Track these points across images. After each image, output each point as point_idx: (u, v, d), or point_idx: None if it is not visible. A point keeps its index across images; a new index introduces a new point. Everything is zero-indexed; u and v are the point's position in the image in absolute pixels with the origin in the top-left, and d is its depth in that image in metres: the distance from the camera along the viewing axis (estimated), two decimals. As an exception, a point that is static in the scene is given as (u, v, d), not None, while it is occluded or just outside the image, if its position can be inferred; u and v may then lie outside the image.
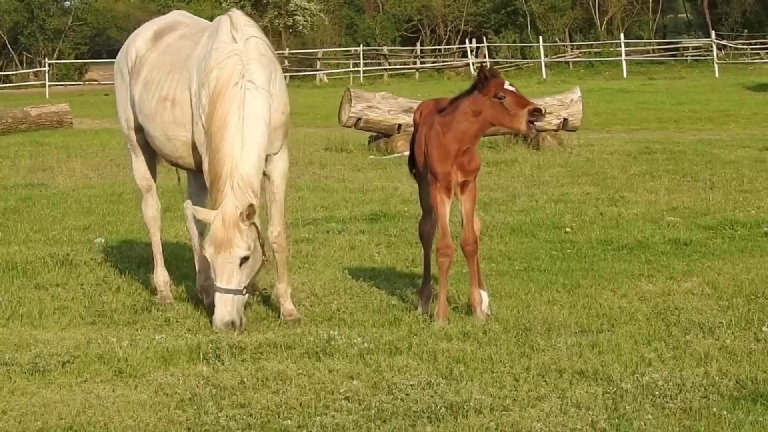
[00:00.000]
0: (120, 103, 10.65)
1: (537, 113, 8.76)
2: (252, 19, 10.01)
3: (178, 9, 11.06)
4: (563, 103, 23.41)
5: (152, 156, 10.58)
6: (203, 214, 9.35)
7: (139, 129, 10.38)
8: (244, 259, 9.15)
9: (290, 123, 10.05)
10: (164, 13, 11.42)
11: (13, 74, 74.90)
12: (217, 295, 9.19)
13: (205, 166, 9.48)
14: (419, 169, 9.60)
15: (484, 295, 9.43)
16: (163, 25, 10.61)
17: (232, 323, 9.10)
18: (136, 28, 11.07)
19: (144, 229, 11.23)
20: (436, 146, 9.11)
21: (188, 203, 9.66)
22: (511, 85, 8.90)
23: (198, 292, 10.33)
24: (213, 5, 72.60)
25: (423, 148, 9.31)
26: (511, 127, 9.06)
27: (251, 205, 9.08)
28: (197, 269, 10.30)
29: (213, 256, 9.17)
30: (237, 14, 9.84)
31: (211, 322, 9.31)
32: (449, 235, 9.26)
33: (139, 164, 10.68)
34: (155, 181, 10.85)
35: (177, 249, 12.49)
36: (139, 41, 10.51)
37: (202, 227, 9.96)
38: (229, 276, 9.13)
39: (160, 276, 10.58)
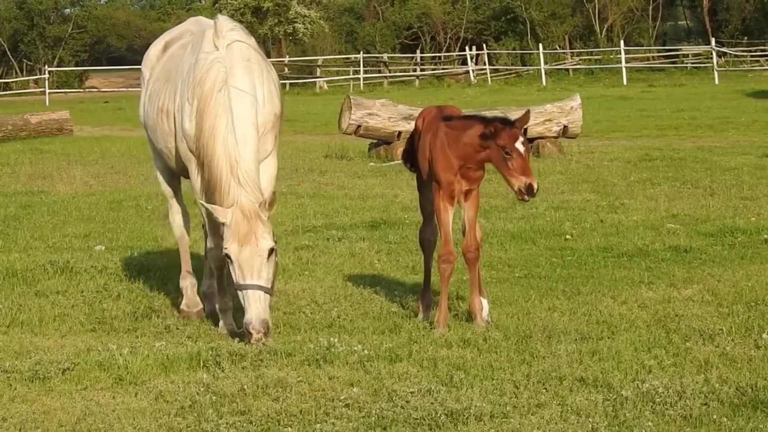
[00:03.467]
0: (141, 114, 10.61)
1: (529, 190, 8.62)
2: (238, 24, 9.83)
3: (177, 16, 11.00)
4: (563, 111, 23.43)
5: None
6: (218, 212, 8.87)
7: None
8: (271, 251, 8.82)
9: (286, 128, 9.89)
10: (164, 21, 11.38)
11: (13, 81, 74.91)
12: (249, 293, 8.71)
13: (194, 181, 9.33)
14: (421, 174, 9.58)
15: (485, 302, 9.42)
16: (173, 36, 10.54)
17: (267, 323, 8.75)
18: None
19: (172, 236, 11.02)
20: (441, 155, 9.07)
21: (202, 201, 9.17)
22: (523, 143, 8.66)
23: (200, 298, 10.25)
24: (213, 12, 72.60)
25: (427, 155, 9.28)
26: (505, 178, 8.81)
27: (274, 192, 8.94)
28: (205, 273, 10.17)
29: (237, 252, 8.75)
30: (221, 20, 9.65)
31: (217, 325, 9.18)
32: (452, 242, 9.25)
33: (161, 169, 10.50)
34: (180, 185, 10.58)
35: (177, 256, 12.47)
36: (152, 56, 10.50)
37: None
38: (258, 270, 8.75)
39: (188, 281, 10.26)
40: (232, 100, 9.14)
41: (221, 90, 9.16)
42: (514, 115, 23.40)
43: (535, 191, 8.63)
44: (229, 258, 8.82)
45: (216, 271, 9.71)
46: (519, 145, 8.62)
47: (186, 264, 10.41)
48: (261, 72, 9.49)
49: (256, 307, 8.73)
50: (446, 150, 9.04)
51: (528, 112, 9.11)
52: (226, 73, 9.20)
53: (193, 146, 9.28)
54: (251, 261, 8.75)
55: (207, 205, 8.98)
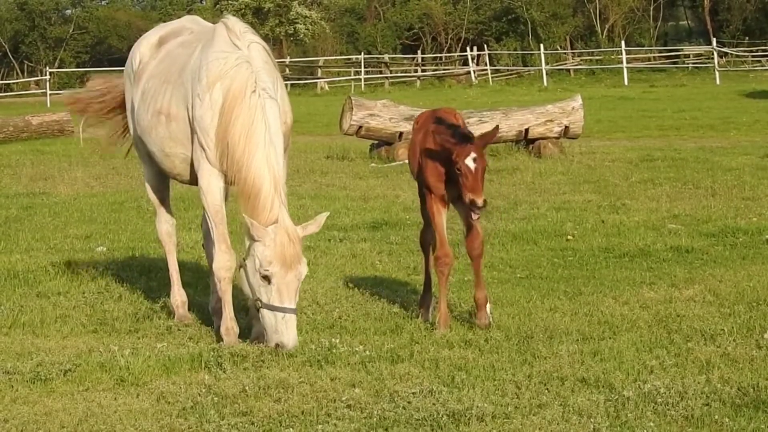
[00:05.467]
0: (128, 111, 10.22)
1: (472, 205, 8.63)
2: (248, 25, 9.46)
3: (179, 17, 10.88)
4: (564, 111, 23.44)
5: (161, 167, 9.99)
6: (259, 230, 8.57)
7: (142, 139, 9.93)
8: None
9: (291, 131, 9.68)
10: (165, 22, 11.14)
11: (14, 83, 74.98)
12: (287, 317, 8.58)
13: (205, 182, 9.01)
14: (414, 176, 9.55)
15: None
16: (169, 31, 10.16)
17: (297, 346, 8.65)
18: (137, 37, 10.72)
19: (159, 245, 10.86)
20: (430, 159, 9.03)
21: (246, 217, 8.66)
22: (475, 159, 8.61)
23: (211, 314, 9.82)
24: (214, 13, 72.63)
25: (417, 157, 9.27)
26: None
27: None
28: (212, 289, 9.81)
29: (280, 274, 8.57)
30: (233, 21, 9.33)
31: (221, 338, 9.01)
32: (447, 243, 9.22)
33: (149, 176, 10.20)
34: (169, 193, 10.34)
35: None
36: (143, 46, 10.10)
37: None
38: (295, 294, 8.66)
39: (178, 296, 10.09)
40: (266, 105, 8.86)
41: (255, 91, 8.85)
42: (516, 115, 23.65)
43: (478, 206, 8.63)
44: (268, 279, 8.62)
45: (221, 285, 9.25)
46: (469, 162, 8.63)
47: (175, 278, 10.15)
48: (277, 76, 9.22)
49: (292, 332, 8.64)
50: (433, 154, 9.00)
51: (496, 128, 9.11)
52: (255, 75, 8.91)
53: (208, 141, 8.93)
54: (291, 285, 8.63)
55: (249, 219, 8.63)
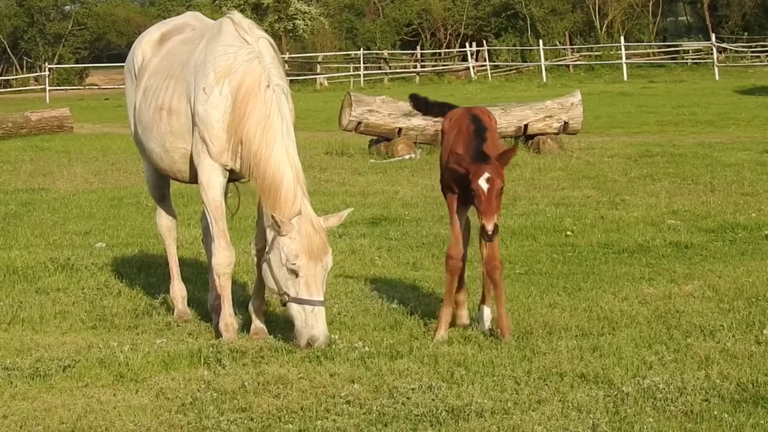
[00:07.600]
0: (129, 109, 10.14)
1: (482, 232, 8.31)
2: (253, 22, 9.44)
3: (178, 13, 10.83)
4: (563, 107, 23.45)
5: None
6: (285, 225, 8.49)
7: None
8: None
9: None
10: (164, 18, 11.09)
11: (13, 79, 74.96)
12: (317, 310, 8.54)
13: (206, 177, 8.98)
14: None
15: (487, 310, 9.09)
16: (171, 27, 10.10)
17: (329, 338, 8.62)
18: (136, 33, 10.71)
19: (159, 240, 10.82)
20: (451, 168, 8.80)
21: (274, 214, 8.55)
22: (489, 180, 8.26)
23: (210, 311, 9.80)
24: (213, 9, 72.60)
25: (447, 151, 8.98)
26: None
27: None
28: (210, 286, 9.81)
29: (307, 267, 8.52)
30: (238, 16, 9.31)
31: (221, 336, 9.02)
32: (461, 242, 8.91)
33: (150, 173, 10.17)
34: (169, 190, 10.33)
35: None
36: (145, 43, 10.03)
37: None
38: (323, 285, 8.62)
39: (177, 291, 10.07)
40: (281, 100, 8.84)
41: (269, 86, 8.82)
42: (515, 111, 23.62)
43: (488, 233, 8.29)
44: (295, 273, 8.56)
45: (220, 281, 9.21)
46: (482, 183, 8.30)
47: (175, 272, 10.13)
48: (283, 73, 9.20)
49: (323, 324, 8.59)
50: (453, 166, 8.75)
51: (515, 146, 8.75)
52: (268, 71, 8.88)
53: (212, 136, 8.89)
54: (318, 276, 8.59)
55: (276, 216, 8.53)
